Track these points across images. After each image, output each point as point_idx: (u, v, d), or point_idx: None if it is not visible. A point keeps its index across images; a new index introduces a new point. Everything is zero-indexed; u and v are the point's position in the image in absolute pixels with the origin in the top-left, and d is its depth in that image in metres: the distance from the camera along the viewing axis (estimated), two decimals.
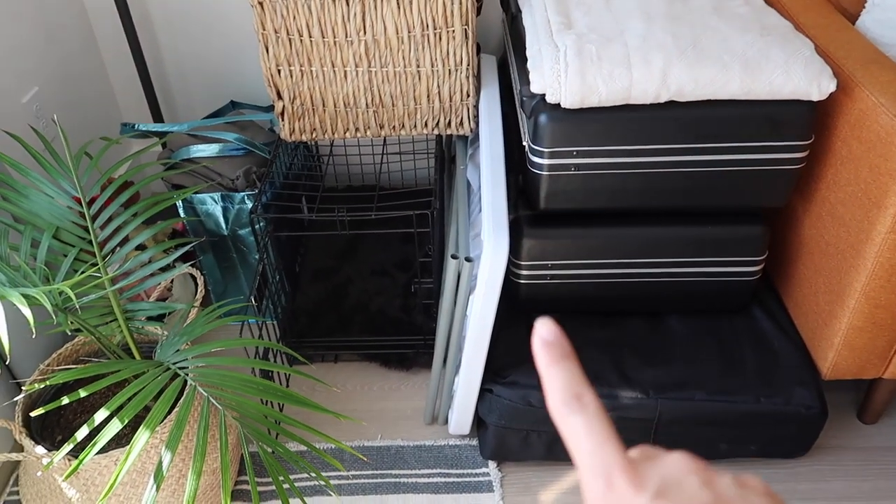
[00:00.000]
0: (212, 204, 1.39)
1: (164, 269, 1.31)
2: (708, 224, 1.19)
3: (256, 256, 1.45)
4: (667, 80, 1.03)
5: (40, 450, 0.99)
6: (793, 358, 1.19)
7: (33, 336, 0.89)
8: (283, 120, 1.35)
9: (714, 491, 0.23)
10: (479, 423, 1.26)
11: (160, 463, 0.78)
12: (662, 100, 1.05)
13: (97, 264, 1.02)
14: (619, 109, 1.07)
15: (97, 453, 0.86)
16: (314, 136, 1.37)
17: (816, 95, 1.03)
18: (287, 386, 1.40)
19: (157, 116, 1.69)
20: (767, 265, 1.31)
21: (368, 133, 1.37)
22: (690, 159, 1.11)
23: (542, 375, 0.28)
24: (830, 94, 1.04)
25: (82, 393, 0.83)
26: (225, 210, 1.39)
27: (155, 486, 0.76)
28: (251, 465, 0.83)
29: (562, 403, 0.27)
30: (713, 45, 1.05)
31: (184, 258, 1.49)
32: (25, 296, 0.77)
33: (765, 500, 0.24)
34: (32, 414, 0.87)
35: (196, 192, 1.37)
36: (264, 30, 1.24)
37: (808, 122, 1.07)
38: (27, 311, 0.75)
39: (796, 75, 1.01)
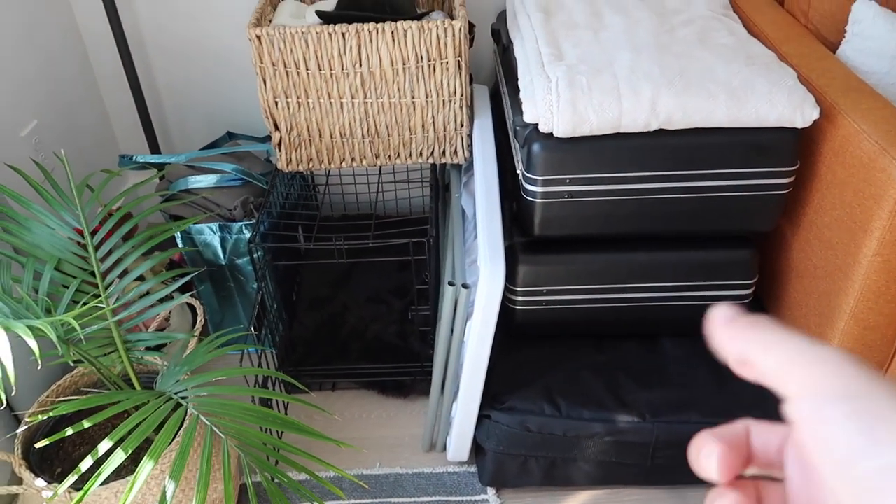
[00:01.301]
0: (210, 234, 1.40)
1: (162, 300, 1.32)
2: (699, 249, 1.22)
3: (254, 286, 1.46)
4: (655, 109, 1.06)
5: (40, 482, 0.99)
6: None
7: (39, 367, 0.90)
8: (280, 150, 1.37)
9: None
10: (477, 449, 1.26)
11: (164, 494, 0.79)
12: (652, 128, 1.08)
13: (99, 295, 1.03)
14: (610, 138, 1.10)
15: (101, 484, 0.86)
16: (311, 165, 1.39)
17: (800, 123, 1.06)
18: (286, 414, 1.40)
19: (154, 148, 1.71)
20: (758, 289, 1.34)
21: (364, 162, 1.39)
22: (680, 185, 1.13)
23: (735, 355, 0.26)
24: (814, 122, 1.07)
25: (86, 423, 0.84)
26: (223, 240, 1.41)
27: None
28: (255, 494, 0.83)
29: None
30: (699, 74, 1.08)
31: (181, 288, 1.49)
32: (30, 327, 0.78)
33: None
34: (37, 445, 0.88)
35: (194, 223, 1.38)
36: (262, 63, 1.27)
37: (792, 148, 1.10)
38: (33, 343, 0.76)
39: (780, 103, 1.05)
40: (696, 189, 1.14)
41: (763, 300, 1.35)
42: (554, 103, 1.07)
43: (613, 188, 1.13)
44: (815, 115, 1.06)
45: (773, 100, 1.04)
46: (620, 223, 1.17)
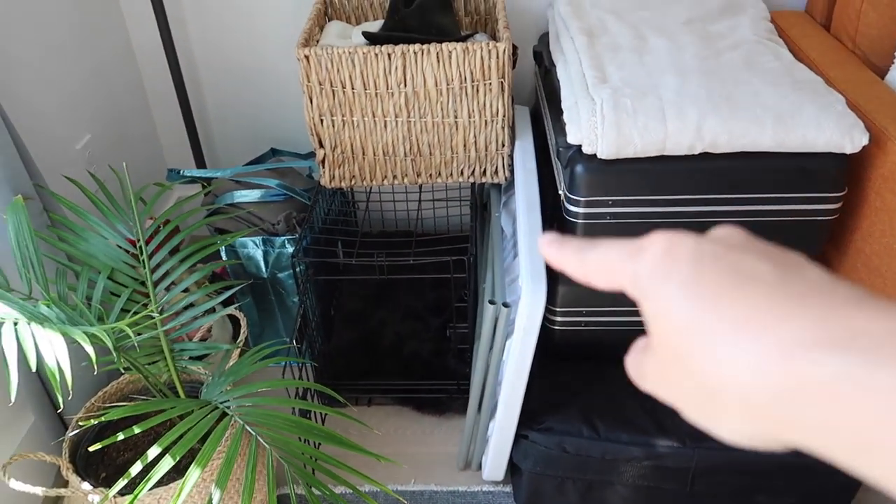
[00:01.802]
0: (253, 248, 1.43)
1: (206, 312, 1.35)
2: None
3: (294, 299, 1.48)
4: (701, 132, 1.06)
5: (86, 486, 1.01)
6: None
7: (95, 373, 0.93)
8: (323, 167, 1.39)
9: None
10: (513, 469, 1.26)
11: (209, 501, 0.80)
12: (696, 151, 1.08)
13: (147, 304, 1.06)
14: (654, 160, 1.10)
15: (154, 489, 0.88)
16: (353, 182, 1.42)
17: (849, 148, 1.05)
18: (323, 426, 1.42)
19: (200, 162, 1.75)
20: None
21: (406, 180, 1.41)
22: (724, 209, 1.13)
23: (571, 264, 0.30)
24: (863, 147, 1.06)
25: (137, 429, 0.86)
26: (265, 254, 1.43)
27: None
28: None
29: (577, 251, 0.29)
30: (746, 98, 1.08)
31: (223, 300, 1.52)
32: (87, 334, 0.81)
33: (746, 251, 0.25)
34: (90, 449, 0.90)
35: (240, 237, 1.41)
36: (309, 81, 1.30)
37: (840, 174, 1.09)
38: (90, 349, 0.78)
39: (829, 129, 1.04)
40: (740, 213, 1.13)
41: None
42: (598, 125, 1.07)
43: (656, 210, 1.13)
44: (865, 140, 1.05)
45: (821, 125, 1.04)
46: None
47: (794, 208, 1.12)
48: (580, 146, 1.11)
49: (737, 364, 0.22)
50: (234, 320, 1.63)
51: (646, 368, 0.28)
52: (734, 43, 1.26)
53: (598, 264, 0.28)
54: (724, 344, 0.22)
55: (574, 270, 0.29)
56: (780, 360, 0.21)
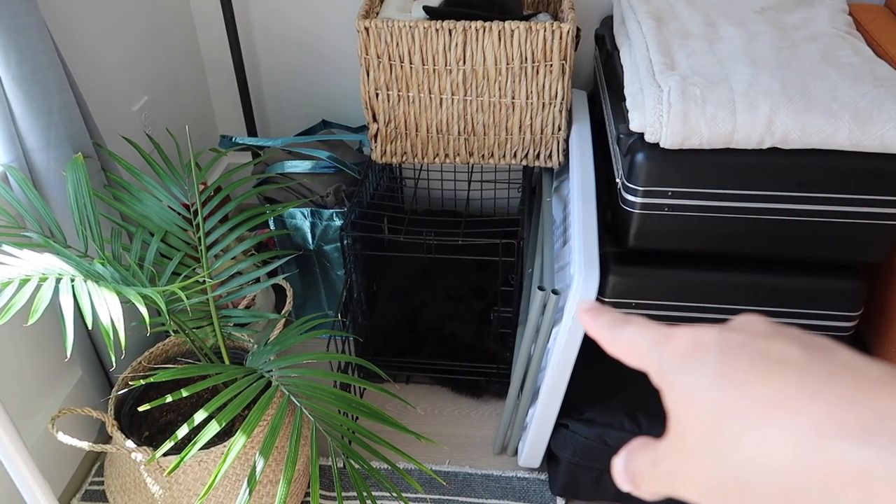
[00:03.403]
0: (301, 219, 1.43)
1: (253, 280, 1.35)
2: (801, 275, 1.16)
3: (339, 272, 1.48)
4: (772, 126, 1.02)
5: (130, 444, 1.02)
6: None
7: (147, 334, 0.94)
8: (375, 142, 1.38)
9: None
10: (549, 457, 1.24)
11: (254, 468, 0.80)
12: (765, 146, 1.04)
13: (198, 269, 1.06)
14: (719, 153, 1.06)
15: (196, 452, 0.89)
16: (404, 159, 1.40)
17: None
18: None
19: (252, 130, 1.75)
20: (861, 323, 1.27)
21: (458, 160, 1.39)
22: (789, 207, 1.09)
23: (603, 337, 0.30)
24: None
25: (185, 392, 0.86)
26: (313, 225, 1.43)
27: (248, 491, 0.78)
28: (339, 479, 0.84)
29: (611, 325, 0.30)
30: (823, 93, 1.03)
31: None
32: (141, 295, 0.81)
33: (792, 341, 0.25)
34: (141, 409, 0.91)
35: (291, 208, 1.41)
36: (367, 54, 1.29)
37: None
38: (143, 310, 0.78)
39: None
40: (805, 213, 1.09)
41: (865, 337, 1.29)
42: (664, 113, 1.04)
43: (717, 205, 1.09)
44: None
45: None
46: (721, 242, 1.13)
47: (863, 210, 1.07)
48: (642, 134, 1.08)
49: (768, 447, 0.22)
50: (276, 290, 1.64)
51: (660, 463, 0.27)
52: (811, 35, 1.20)
53: (627, 345, 0.29)
54: (756, 426, 0.22)
55: (605, 344, 0.30)
56: (809, 446, 0.21)
